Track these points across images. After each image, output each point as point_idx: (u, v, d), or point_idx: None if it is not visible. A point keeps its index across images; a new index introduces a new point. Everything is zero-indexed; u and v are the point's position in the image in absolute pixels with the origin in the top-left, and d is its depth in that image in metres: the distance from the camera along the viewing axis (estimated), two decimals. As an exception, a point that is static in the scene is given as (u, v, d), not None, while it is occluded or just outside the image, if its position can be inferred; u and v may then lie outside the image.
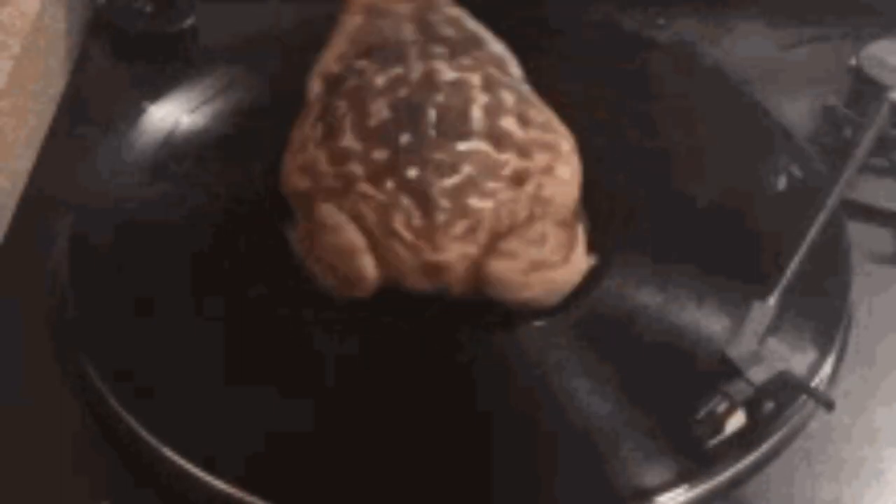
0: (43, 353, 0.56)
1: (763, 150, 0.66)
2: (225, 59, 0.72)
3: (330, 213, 0.57)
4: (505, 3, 0.70)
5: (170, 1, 0.74)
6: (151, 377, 0.54)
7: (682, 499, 0.51)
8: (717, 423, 0.52)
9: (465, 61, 0.62)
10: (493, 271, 0.55)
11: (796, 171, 0.64)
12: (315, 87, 0.64)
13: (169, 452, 0.51)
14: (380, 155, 0.58)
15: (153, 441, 0.51)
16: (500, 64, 0.64)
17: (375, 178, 0.57)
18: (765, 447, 0.53)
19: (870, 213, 0.64)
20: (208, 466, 0.50)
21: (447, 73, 0.61)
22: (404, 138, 0.58)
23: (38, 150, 0.68)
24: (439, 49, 0.63)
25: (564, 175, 0.59)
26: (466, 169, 0.57)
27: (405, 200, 0.56)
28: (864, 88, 0.68)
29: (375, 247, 0.56)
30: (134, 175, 0.64)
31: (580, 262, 0.58)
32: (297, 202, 0.60)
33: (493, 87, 0.61)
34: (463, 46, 0.64)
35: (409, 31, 0.64)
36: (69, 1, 0.73)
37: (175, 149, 0.65)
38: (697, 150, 0.65)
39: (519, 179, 0.58)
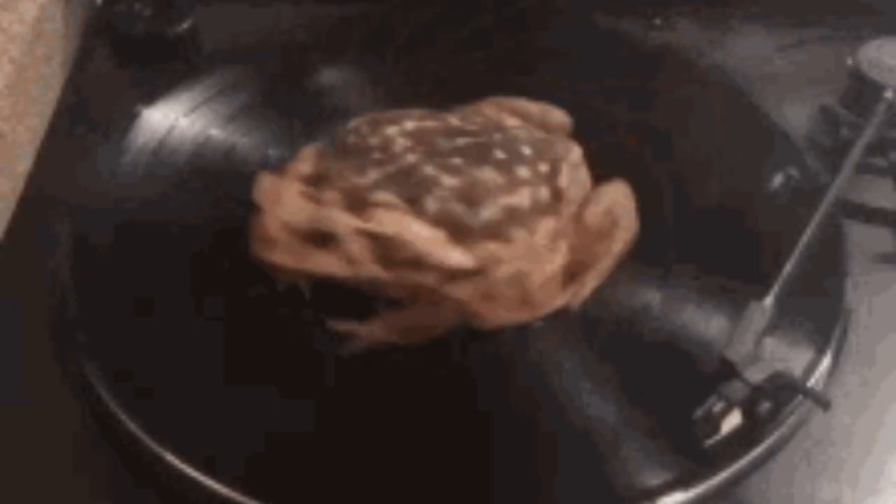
0: (43, 353, 0.56)
1: (761, 150, 0.66)
2: (223, 61, 0.71)
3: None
4: (507, 10, 0.71)
5: (169, 3, 0.74)
6: (151, 377, 0.54)
7: (680, 498, 0.50)
8: (714, 422, 0.52)
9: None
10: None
11: (794, 172, 0.64)
12: None
13: (168, 454, 0.51)
14: None
15: (152, 443, 0.51)
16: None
17: None
18: (761, 447, 0.52)
19: (867, 213, 0.64)
20: (208, 467, 0.50)
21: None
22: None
23: (37, 151, 0.67)
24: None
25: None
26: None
27: None
28: (862, 88, 0.67)
29: None
30: (133, 176, 0.63)
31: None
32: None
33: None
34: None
35: None
36: (68, 5, 0.73)
37: (174, 150, 0.64)
38: (696, 152, 0.65)
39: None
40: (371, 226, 0.55)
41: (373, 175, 0.57)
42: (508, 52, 0.67)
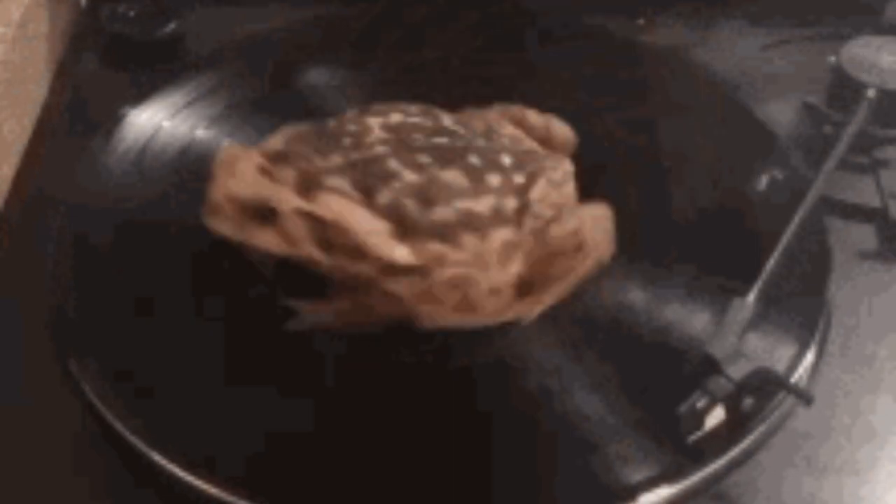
0: (43, 353, 0.56)
1: (745, 148, 0.66)
2: (210, 63, 0.71)
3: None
4: (491, 7, 0.71)
5: (155, 6, 0.74)
6: (151, 377, 0.54)
7: (664, 493, 0.51)
8: (697, 419, 0.52)
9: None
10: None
11: (777, 169, 0.64)
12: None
13: (166, 461, 0.51)
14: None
15: (149, 450, 0.51)
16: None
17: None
18: (744, 443, 0.52)
19: (850, 210, 0.65)
20: (208, 467, 0.50)
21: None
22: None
23: (23, 153, 0.68)
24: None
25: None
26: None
27: None
28: (844, 86, 0.68)
29: None
30: (124, 176, 0.63)
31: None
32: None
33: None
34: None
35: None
36: (54, 7, 0.73)
37: (161, 151, 0.65)
38: (680, 150, 0.65)
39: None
40: (312, 207, 0.54)
41: (334, 160, 0.57)
42: (498, 54, 0.68)
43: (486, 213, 0.56)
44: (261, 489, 0.50)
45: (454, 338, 0.55)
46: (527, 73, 0.65)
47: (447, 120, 0.61)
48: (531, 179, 0.58)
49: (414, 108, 0.61)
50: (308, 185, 0.56)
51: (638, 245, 0.60)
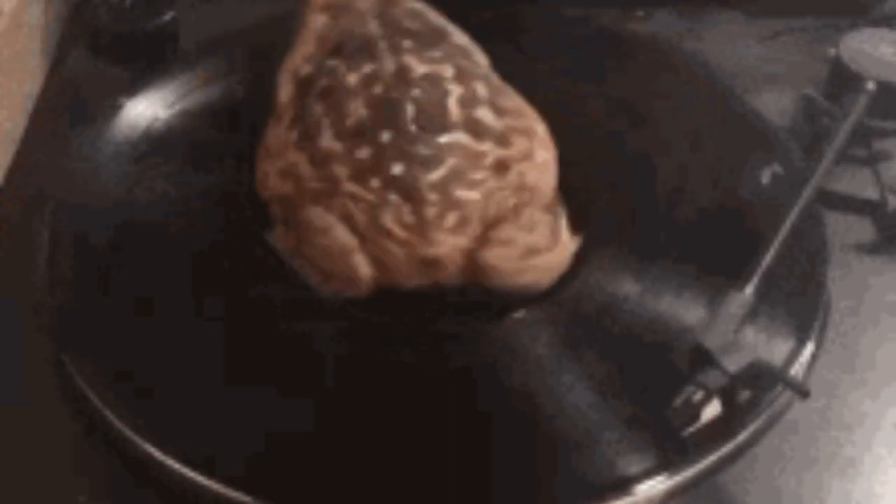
0: (43, 353, 0.56)
1: (742, 140, 0.66)
2: (204, 53, 0.71)
3: (318, 215, 0.57)
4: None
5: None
6: (151, 377, 0.54)
7: (659, 488, 0.51)
8: (693, 412, 0.52)
9: (435, 54, 0.62)
10: (488, 260, 0.56)
11: (775, 162, 0.64)
12: (286, 89, 0.63)
13: (168, 458, 0.51)
14: (362, 153, 0.58)
15: (149, 447, 0.51)
16: (467, 54, 0.64)
17: (360, 177, 0.57)
18: (741, 436, 0.53)
19: (848, 203, 0.64)
20: (208, 467, 0.50)
21: (419, 68, 0.61)
22: (385, 136, 0.58)
23: (16, 146, 0.67)
24: (407, 43, 0.62)
25: (543, 159, 0.60)
26: (450, 161, 0.57)
27: (393, 197, 0.56)
28: (843, 78, 0.68)
29: (367, 246, 0.56)
30: (127, 169, 0.63)
31: (568, 243, 0.59)
32: (279, 206, 0.60)
33: (465, 78, 0.61)
34: (429, 39, 0.64)
35: (374, 27, 0.64)
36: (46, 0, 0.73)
37: (157, 143, 0.65)
38: (676, 142, 0.65)
39: (502, 168, 0.58)
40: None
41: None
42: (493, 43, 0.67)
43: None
44: (261, 489, 0.50)
45: (453, 338, 0.56)
46: (513, 63, 0.66)
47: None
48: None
49: None
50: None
51: (629, 236, 0.61)
